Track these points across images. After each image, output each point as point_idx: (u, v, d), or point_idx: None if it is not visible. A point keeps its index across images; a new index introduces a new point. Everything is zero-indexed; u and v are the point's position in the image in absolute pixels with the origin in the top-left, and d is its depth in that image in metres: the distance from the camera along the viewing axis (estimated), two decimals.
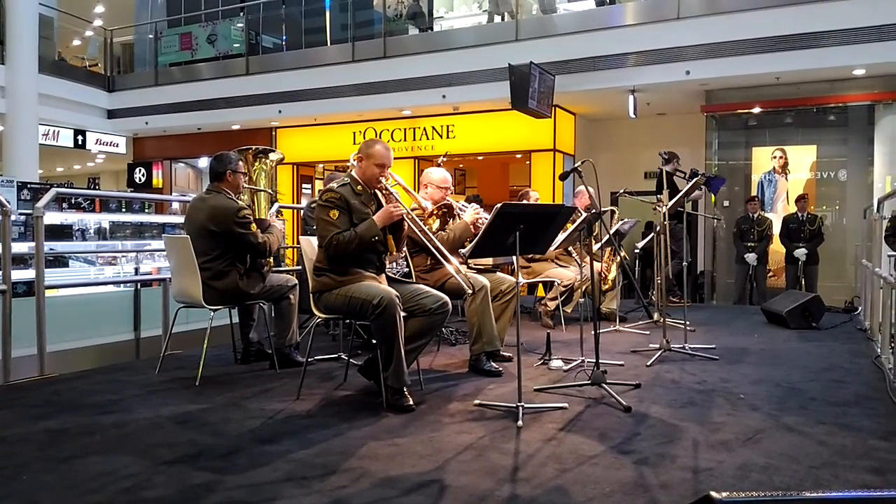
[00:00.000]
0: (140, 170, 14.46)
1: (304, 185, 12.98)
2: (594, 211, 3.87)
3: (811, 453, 2.70)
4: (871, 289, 5.68)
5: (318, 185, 12.75)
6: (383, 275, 3.62)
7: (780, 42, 8.15)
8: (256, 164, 4.49)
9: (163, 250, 5.87)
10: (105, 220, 8.17)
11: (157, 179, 14.37)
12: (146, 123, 13.11)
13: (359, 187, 3.55)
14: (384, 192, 3.63)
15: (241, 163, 4.21)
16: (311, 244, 3.76)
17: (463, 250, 3.74)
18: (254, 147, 4.52)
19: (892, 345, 4.26)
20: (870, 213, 6.76)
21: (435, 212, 4.10)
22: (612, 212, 6.61)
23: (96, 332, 5.31)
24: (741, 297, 8.72)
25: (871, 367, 4.33)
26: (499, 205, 3.09)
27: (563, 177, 4.02)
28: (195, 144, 13.62)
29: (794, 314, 5.95)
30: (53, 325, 4.31)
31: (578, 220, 4.30)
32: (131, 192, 14.24)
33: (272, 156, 4.61)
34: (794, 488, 2.36)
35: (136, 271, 7.60)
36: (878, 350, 4.61)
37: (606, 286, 6.23)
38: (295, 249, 8.41)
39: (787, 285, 8.44)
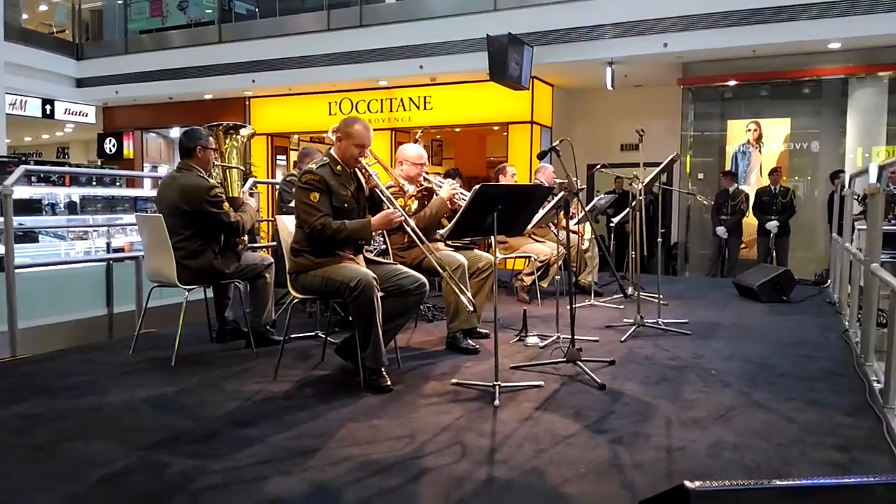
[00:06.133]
0: (111, 140, 14.17)
1: (279, 157, 12.83)
2: (569, 190, 3.87)
3: (780, 430, 2.78)
4: (839, 262, 5.78)
5: (293, 156, 12.59)
6: (361, 255, 3.61)
7: (756, 15, 8.18)
8: (227, 140, 4.39)
9: (134, 224, 5.77)
10: (75, 193, 8.00)
11: (128, 150, 14.10)
12: (116, 93, 12.83)
13: (338, 167, 3.51)
14: (363, 171, 3.60)
15: (211, 139, 4.13)
16: (288, 224, 3.73)
17: (441, 231, 3.72)
18: (224, 123, 4.43)
19: (860, 319, 4.36)
20: (838, 180, 6.86)
21: (415, 194, 4.07)
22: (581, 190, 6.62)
23: (68, 308, 5.24)
24: (714, 270, 8.86)
25: (840, 342, 4.44)
26: (477, 186, 3.09)
27: (542, 156, 4.02)
28: (167, 114, 13.37)
29: (766, 288, 6.05)
30: (24, 301, 4.23)
31: (555, 199, 4.31)
32: (101, 162, 13.97)
33: (243, 131, 4.51)
34: (763, 467, 2.43)
35: (108, 246, 7.49)
36: (847, 324, 4.72)
37: (584, 248, 6.24)
38: (270, 223, 8.32)
39: (758, 257, 8.59)
